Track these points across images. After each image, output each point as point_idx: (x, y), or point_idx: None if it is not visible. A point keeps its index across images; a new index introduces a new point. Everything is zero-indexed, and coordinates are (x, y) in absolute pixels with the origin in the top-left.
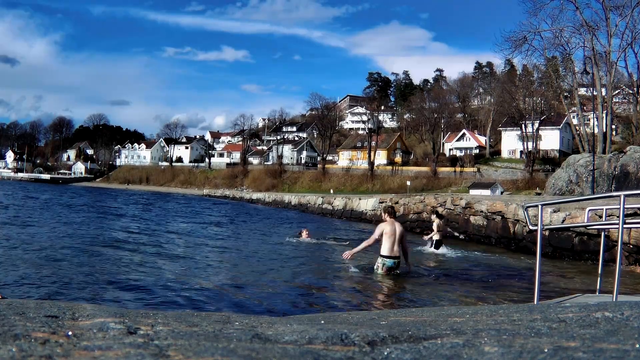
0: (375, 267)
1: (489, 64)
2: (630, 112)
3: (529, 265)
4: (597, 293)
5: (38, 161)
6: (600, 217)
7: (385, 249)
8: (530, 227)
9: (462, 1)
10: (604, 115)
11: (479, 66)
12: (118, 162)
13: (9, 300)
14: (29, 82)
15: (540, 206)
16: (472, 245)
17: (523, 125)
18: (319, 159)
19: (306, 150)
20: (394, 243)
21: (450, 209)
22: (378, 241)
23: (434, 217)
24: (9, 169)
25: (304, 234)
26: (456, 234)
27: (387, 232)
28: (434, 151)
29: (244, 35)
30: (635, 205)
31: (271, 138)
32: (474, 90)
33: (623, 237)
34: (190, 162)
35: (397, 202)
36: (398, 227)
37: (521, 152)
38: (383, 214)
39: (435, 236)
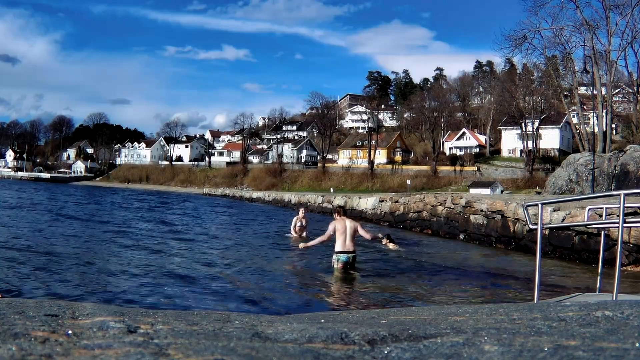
0: (331, 263)
1: (489, 63)
2: (630, 111)
3: (528, 264)
4: (597, 292)
5: (38, 160)
6: (600, 216)
7: (337, 245)
8: (530, 226)
9: (464, 0)
10: (604, 114)
11: (479, 65)
12: (118, 161)
13: (9, 299)
14: (30, 81)
15: (540, 205)
16: (472, 244)
17: (523, 124)
18: (319, 157)
19: (306, 149)
20: (346, 239)
21: (450, 208)
22: (331, 237)
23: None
24: (9, 167)
25: (301, 212)
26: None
27: (338, 228)
28: (434, 150)
29: (245, 34)
30: (635, 204)
31: (271, 137)
32: (474, 89)
33: (623, 236)
34: (190, 161)
35: (397, 201)
36: (349, 224)
37: (521, 151)
38: (334, 213)
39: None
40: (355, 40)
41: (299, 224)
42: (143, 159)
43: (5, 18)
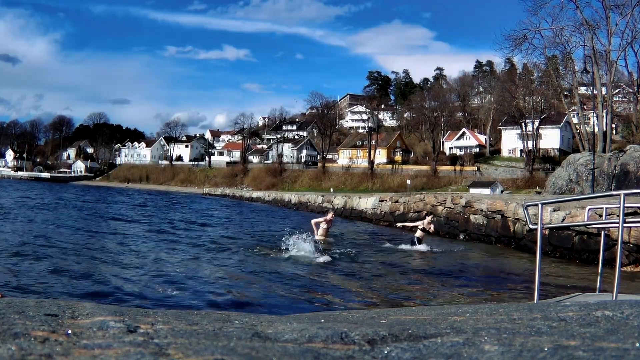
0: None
1: (489, 63)
2: (630, 111)
3: (528, 264)
4: (597, 292)
5: (38, 160)
6: (600, 216)
7: None
8: (530, 226)
9: (464, 0)
10: (604, 114)
11: (479, 65)
12: (118, 160)
13: (9, 298)
14: (30, 80)
15: (540, 205)
16: (472, 244)
17: (523, 124)
18: (319, 157)
19: (306, 149)
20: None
21: (450, 208)
22: None
23: (429, 218)
24: (8, 167)
25: (330, 215)
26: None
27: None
28: (434, 150)
29: (245, 34)
30: (635, 204)
31: (271, 137)
32: (474, 89)
33: (623, 236)
34: (190, 160)
35: (397, 201)
36: None
37: (521, 150)
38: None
39: (418, 233)
40: (356, 40)
41: (325, 225)
42: (143, 158)
43: (5, 18)
